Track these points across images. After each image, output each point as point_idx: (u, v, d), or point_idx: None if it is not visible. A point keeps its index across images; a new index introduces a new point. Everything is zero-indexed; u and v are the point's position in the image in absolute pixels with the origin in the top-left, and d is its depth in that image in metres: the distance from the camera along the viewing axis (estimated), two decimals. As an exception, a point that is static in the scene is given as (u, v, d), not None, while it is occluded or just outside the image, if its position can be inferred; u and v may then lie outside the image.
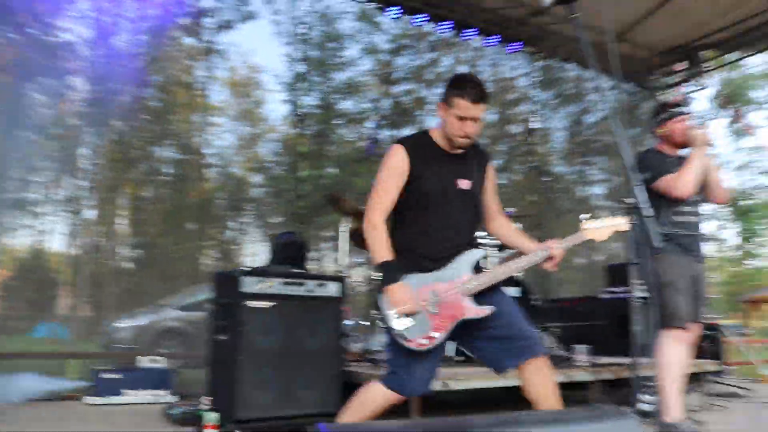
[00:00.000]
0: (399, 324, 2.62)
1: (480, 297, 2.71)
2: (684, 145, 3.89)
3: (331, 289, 3.75)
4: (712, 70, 10.18)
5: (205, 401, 3.30)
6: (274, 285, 3.52)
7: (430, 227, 2.78)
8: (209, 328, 3.69)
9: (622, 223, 2.76)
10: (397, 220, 2.82)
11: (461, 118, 2.72)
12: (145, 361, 4.82)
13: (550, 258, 2.76)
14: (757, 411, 4.14)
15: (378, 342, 4.61)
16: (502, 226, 3.02)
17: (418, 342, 2.62)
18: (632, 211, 2.22)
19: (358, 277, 5.05)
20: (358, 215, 5.20)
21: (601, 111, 14.10)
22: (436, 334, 2.64)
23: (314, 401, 3.60)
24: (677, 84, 10.11)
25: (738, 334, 10.54)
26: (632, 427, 1.34)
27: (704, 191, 3.93)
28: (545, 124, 14.77)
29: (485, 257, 2.84)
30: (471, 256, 2.77)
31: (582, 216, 2.81)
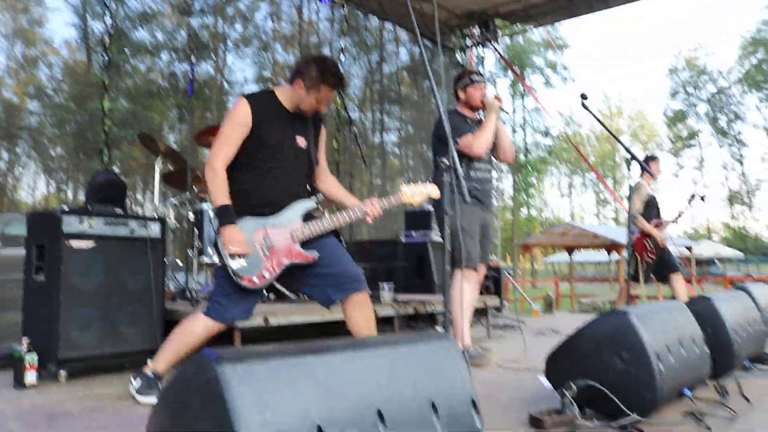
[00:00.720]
0: (235, 263, 2.82)
1: (308, 242, 2.99)
2: (479, 108, 4.41)
3: (153, 229, 3.78)
4: (502, 36, 11.14)
5: (23, 343, 3.21)
6: (95, 225, 3.49)
7: (269, 178, 2.98)
8: (24, 269, 3.55)
9: (433, 190, 3.15)
10: (237, 168, 2.96)
11: (319, 101, 2.99)
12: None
13: (366, 215, 3.06)
14: (529, 339, 4.87)
15: (194, 281, 4.72)
16: (329, 182, 3.30)
17: (251, 280, 2.85)
18: (448, 169, 2.60)
19: (172, 217, 5.05)
20: (172, 156, 5.17)
21: (397, 63, 14.62)
22: (267, 274, 2.89)
23: (137, 338, 3.65)
24: (471, 46, 10.95)
25: (512, 275, 11.98)
26: (451, 347, 1.69)
27: (495, 151, 4.49)
28: (345, 71, 15.04)
29: (316, 208, 3.10)
30: (303, 206, 3.02)
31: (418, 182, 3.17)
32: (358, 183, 13.18)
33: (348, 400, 1.35)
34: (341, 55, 12.69)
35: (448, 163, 2.60)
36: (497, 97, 4.30)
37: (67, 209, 3.41)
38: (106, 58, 8.04)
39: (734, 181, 56.71)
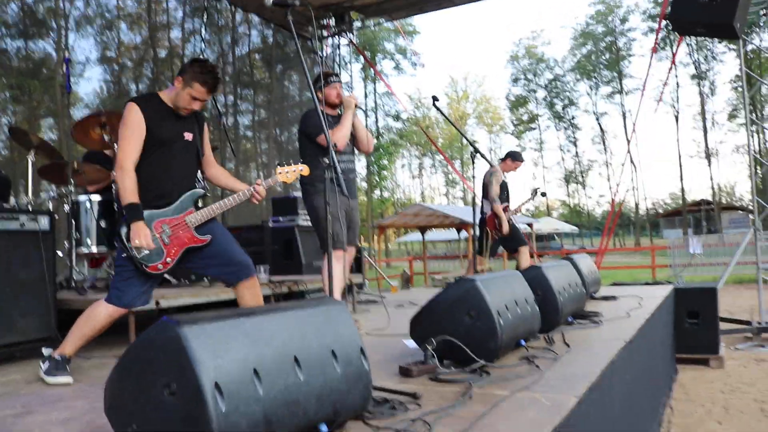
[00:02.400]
0: (139, 252, 3.14)
1: (201, 227, 3.36)
2: (338, 105, 4.91)
3: (42, 222, 3.94)
4: (358, 29, 11.64)
5: None
6: (-16, 220, 3.62)
7: (163, 173, 3.33)
8: None
9: (303, 168, 3.65)
10: (136, 166, 3.26)
11: (194, 99, 3.31)
12: None
13: (253, 195, 3.50)
14: (390, 311, 5.40)
15: (77, 270, 4.87)
16: (216, 172, 3.69)
17: (156, 267, 3.19)
18: (328, 167, 3.08)
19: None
20: (45, 149, 5.24)
21: (249, 45, 14.59)
22: (170, 260, 3.24)
23: (32, 328, 3.83)
24: (327, 36, 11.36)
25: (369, 255, 12.67)
26: (342, 309, 2.17)
27: (355, 143, 5.01)
28: (197, 52, 14.69)
29: (205, 195, 3.48)
30: (193, 194, 3.40)
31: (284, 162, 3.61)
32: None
33: (273, 350, 1.79)
34: (193, 36, 12.54)
35: (327, 161, 3.09)
36: (352, 96, 4.84)
37: (-44, 207, 3.52)
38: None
39: (569, 161, 61.45)
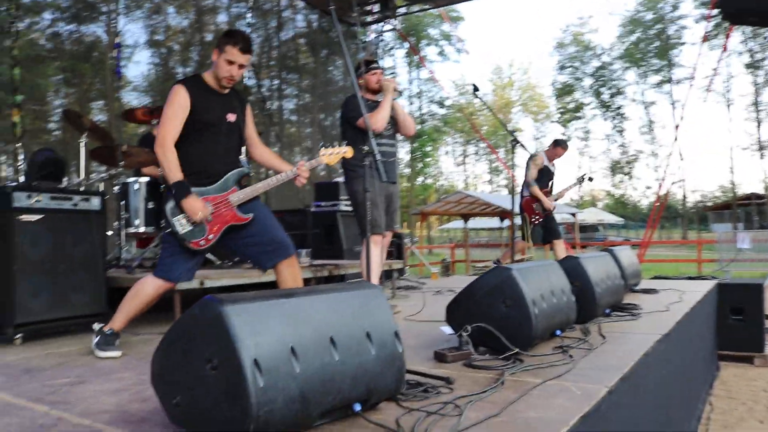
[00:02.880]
0: (182, 229, 3.26)
1: (243, 206, 3.46)
2: (379, 92, 4.98)
3: (94, 203, 4.10)
4: (401, 15, 11.65)
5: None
6: (42, 200, 3.79)
7: (207, 152, 3.43)
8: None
9: (347, 150, 3.72)
10: (180, 145, 3.37)
11: (230, 63, 3.39)
12: None
13: (298, 176, 3.58)
14: (428, 297, 5.47)
15: (125, 250, 5.04)
16: (263, 152, 3.78)
17: (198, 243, 3.31)
18: (367, 153, 3.15)
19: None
20: (97, 132, 5.41)
21: (294, 29, 14.67)
22: (212, 236, 3.35)
23: (84, 304, 3.99)
24: (371, 23, 11.40)
25: (411, 242, 12.75)
26: (378, 293, 2.23)
27: (396, 126, 5.07)
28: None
29: (248, 174, 3.58)
30: (237, 173, 3.49)
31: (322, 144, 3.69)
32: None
33: (310, 330, 1.87)
34: (238, 20, 12.64)
35: (367, 148, 3.15)
36: (391, 80, 4.90)
37: (17, 185, 3.70)
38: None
39: (615, 151, 60.29)
